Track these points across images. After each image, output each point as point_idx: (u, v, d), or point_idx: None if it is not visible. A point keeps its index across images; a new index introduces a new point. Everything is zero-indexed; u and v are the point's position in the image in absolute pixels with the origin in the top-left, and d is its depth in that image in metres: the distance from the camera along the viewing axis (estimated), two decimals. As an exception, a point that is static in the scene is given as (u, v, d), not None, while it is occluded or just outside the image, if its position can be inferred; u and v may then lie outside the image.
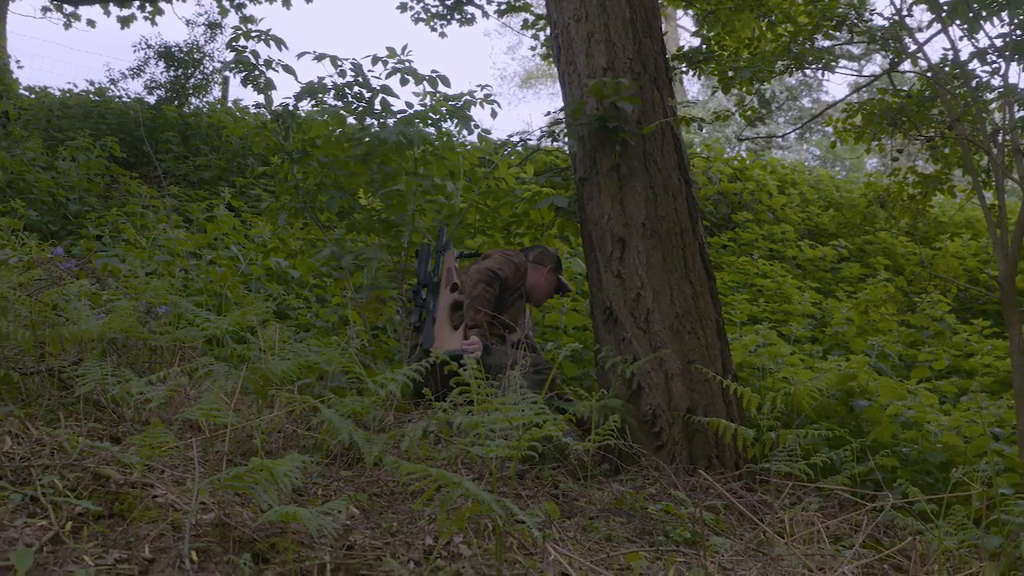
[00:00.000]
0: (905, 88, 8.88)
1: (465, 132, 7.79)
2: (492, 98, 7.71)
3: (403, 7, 19.75)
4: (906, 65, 8.98)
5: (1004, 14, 7.48)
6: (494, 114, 8.03)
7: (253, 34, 7.51)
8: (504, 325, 6.77)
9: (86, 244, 9.95)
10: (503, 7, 19.44)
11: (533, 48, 23.08)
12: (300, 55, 7.40)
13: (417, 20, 19.72)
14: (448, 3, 19.61)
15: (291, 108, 7.53)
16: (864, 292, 11.78)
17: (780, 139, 32.70)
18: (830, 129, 9.31)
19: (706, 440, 5.95)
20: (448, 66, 19.18)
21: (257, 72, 7.44)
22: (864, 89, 12.21)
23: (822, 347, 10.13)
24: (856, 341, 10.13)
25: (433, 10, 19.75)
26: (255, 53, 7.45)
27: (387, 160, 7.31)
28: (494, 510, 2.92)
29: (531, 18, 18.10)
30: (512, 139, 7.94)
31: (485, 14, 19.80)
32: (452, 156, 7.69)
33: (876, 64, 35.53)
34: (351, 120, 7.62)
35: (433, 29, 20.01)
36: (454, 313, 6.53)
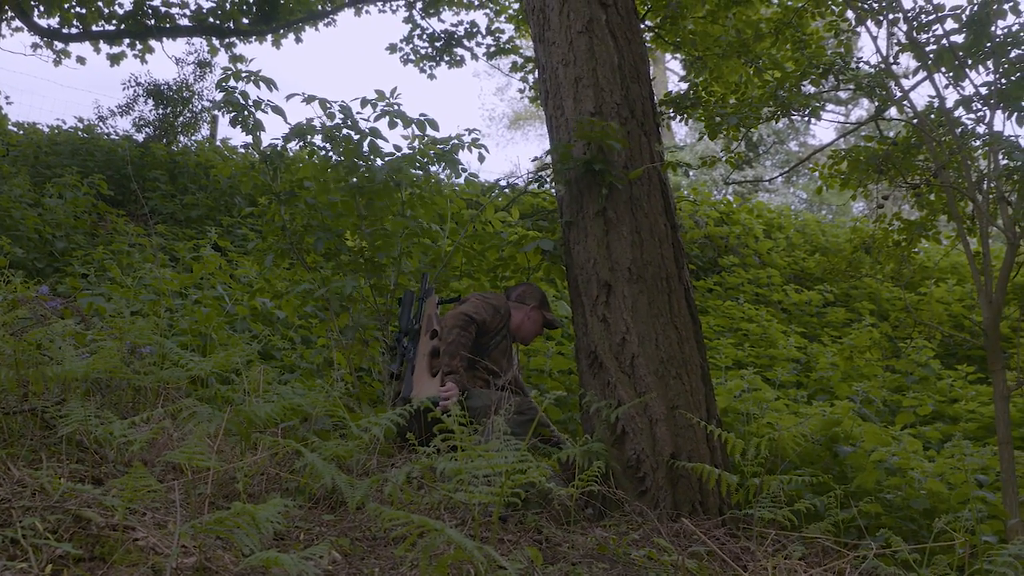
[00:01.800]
0: (892, 134, 8.93)
1: (453, 175, 7.82)
2: (480, 142, 7.72)
3: (393, 48, 19.88)
4: (892, 112, 9.04)
5: (989, 62, 7.54)
6: (481, 158, 8.02)
7: (243, 75, 7.52)
8: (488, 369, 6.80)
9: (72, 282, 9.94)
10: (492, 50, 19.59)
11: (521, 90, 23.18)
12: (289, 96, 7.42)
13: (406, 62, 19.85)
14: (437, 45, 19.72)
15: (279, 149, 7.54)
16: (849, 337, 11.80)
17: (767, 183, 32.82)
18: (816, 174, 9.35)
19: (690, 486, 5.94)
20: (437, 106, 19.36)
21: (246, 113, 7.44)
22: (851, 134, 12.30)
23: (807, 392, 10.13)
24: (841, 386, 10.13)
25: (422, 52, 19.88)
26: (244, 94, 7.46)
27: (376, 198, 7.32)
28: (475, 557, 2.91)
29: (520, 61, 18.22)
30: (499, 182, 7.96)
31: (474, 56, 19.96)
32: (439, 200, 7.71)
33: (863, 108, 35.72)
34: (338, 160, 7.64)
35: (422, 71, 20.15)
36: (433, 360, 6.59)
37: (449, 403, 6.04)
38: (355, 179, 7.33)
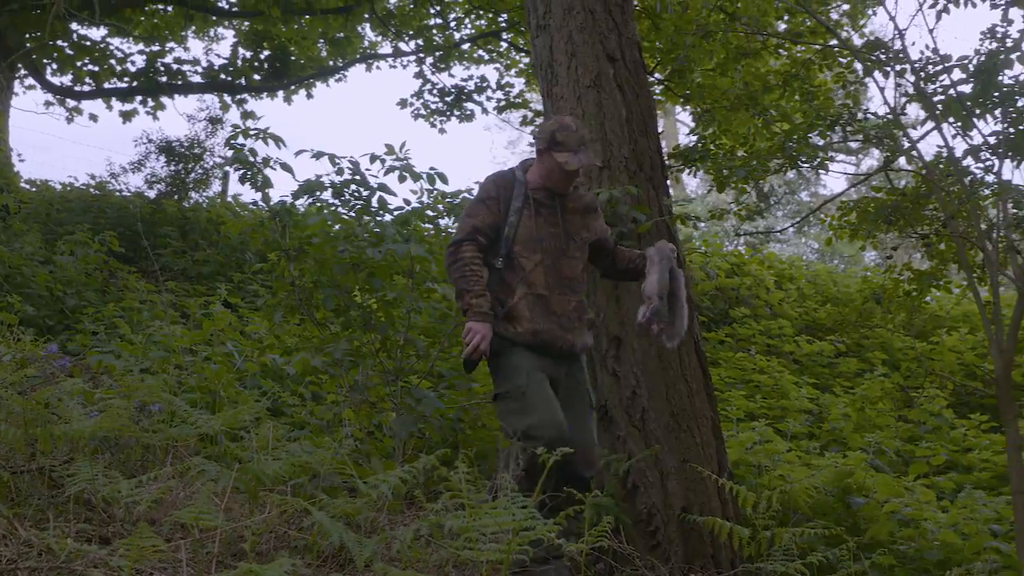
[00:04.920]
0: (901, 184, 8.94)
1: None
2: (489, 196, 7.72)
3: (403, 103, 19.98)
4: (902, 162, 9.05)
5: (997, 112, 7.55)
6: (491, 211, 8.01)
7: (252, 132, 7.54)
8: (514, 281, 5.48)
9: (82, 339, 9.94)
10: (502, 104, 19.67)
11: (531, 144, 23.29)
12: (298, 153, 7.42)
13: (417, 116, 19.94)
14: (448, 100, 19.82)
15: (288, 206, 7.55)
16: (861, 388, 11.76)
17: (778, 233, 32.87)
18: (827, 224, 9.35)
19: (701, 539, 5.92)
20: (449, 159, 19.47)
21: (255, 170, 7.46)
22: (861, 184, 12.33)
23: (819, 443, 10.08)
24: (853, 437, 10.08)
25: (433, 107, 19.97)
26: (253, 151, 7.48)
27: (376, 273, 7.30)
28: (482, 616, 2.89)
29: (530, 115, 18.31)
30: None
31: (484, 111, 20.03)
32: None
33: (874, 158, 35.75)
34: (348, 215, 7.65)
35: (433, 125, 20.24)
36: None
37: (474, 349, 5.27)
38: (356, 245, 7.31)
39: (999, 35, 7.66)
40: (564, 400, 5.34)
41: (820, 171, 8.82)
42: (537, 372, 5.31)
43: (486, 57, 20.13)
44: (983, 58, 7.57)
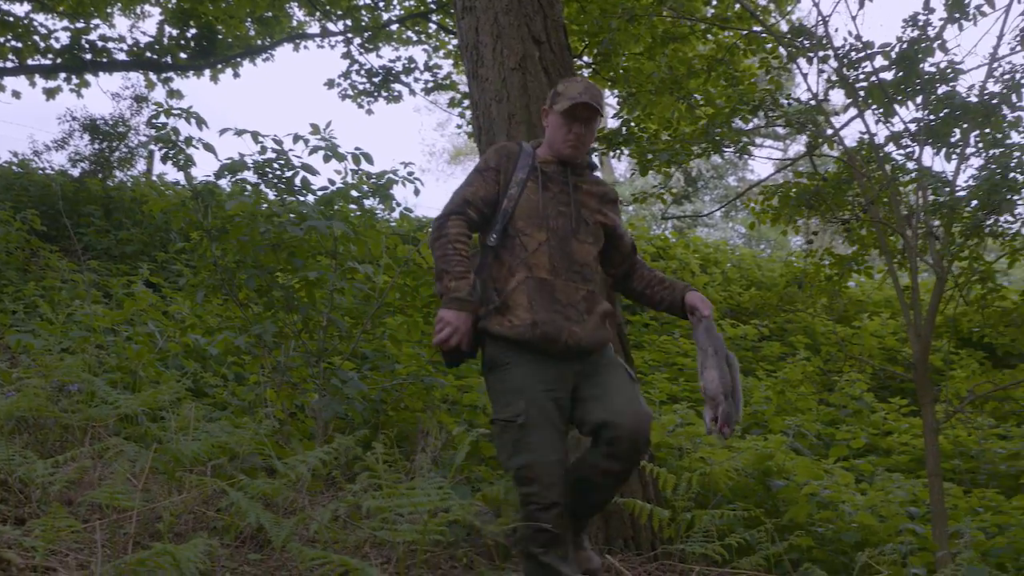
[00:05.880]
0: (825, 169, 9.02)
1: (387, 210, 7.81)
2: (414, 176, 7.71)
3: (331, 84, 19.86)
4: (826, 148, 9.13)
5: (918, 99, 7.65)
6: (417, 192, 8.00)
7: (174, 111, 7.48)
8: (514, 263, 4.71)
9: (1, 319, 9.83)
10: (430, 86, 19.61)
11: (459, 126, 23.25)
12: (222, 132, 7.37)
13: (344, 97, 19.82)
14: (375, 81, 19.72)
15: (210, 185, 7.51)
16: (783, 371, 11.88)
17: (705, 217, 33.06)
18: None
19: (622, 521, 5.95)
20: (378, 141, 19.41)
21: (177, 149, 7.41)
22: (787, 169, 12.43)
23: (741, 426, 10.17)
24: (775, 420, 10.18)
25: (360, 87, 19.85)
26: (176, 130, 7.42)
27: (298, 252, 7.27)
28: (398, 596, 2.90)
29: (458, 96, 18.27)
30: (431, 222, 7.96)
31: (412, 92, 19.94)
32: (373, 235, 7.67)
33: (802, 143, 36.05)
34: (271, 195, 7.62)
35: (360, 106, 20.12)
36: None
37: (442, 342, 4.52)
38: (278, 224, 7.27)
39: (920, 23, 7.76)
40: (589, 383, 4.60)
41: (746, 156, 8.87)
42: (541, 395, 4.47)
43: (415, 38, 20.04)
44: (905, 46, 7.66)
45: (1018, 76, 7.61)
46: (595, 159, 5.15)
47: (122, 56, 20.35)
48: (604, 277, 5.20)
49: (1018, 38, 7.88)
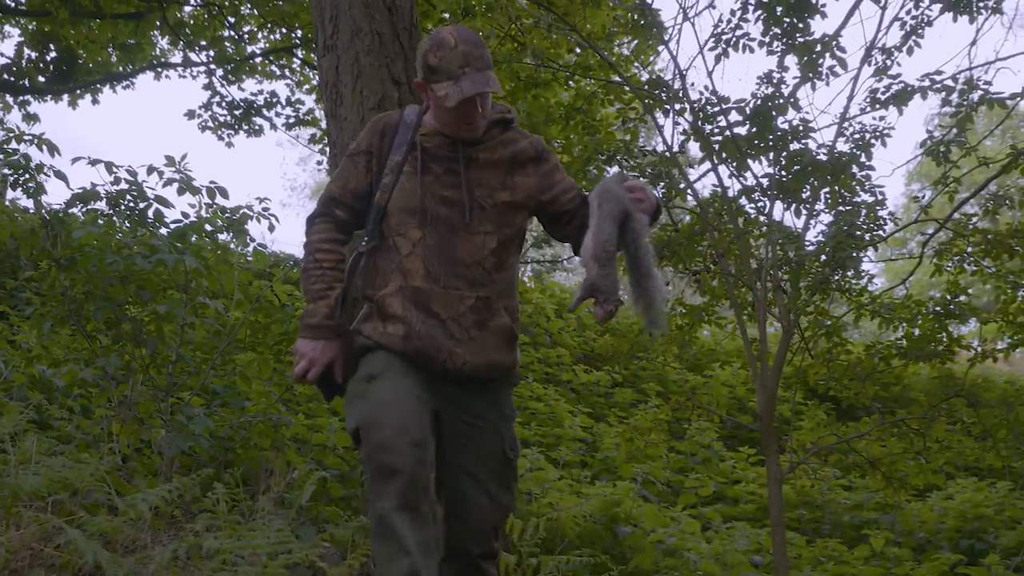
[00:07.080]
0: (679, 219, 9.15)
1: (240, 245, 7.74)
2: (269, 212, 7.66)
3: (191, 114, 19.63)
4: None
5: (770, 154, 7.82)
6: (271, 228, 7.93)
7: (26, 137, 7.35)
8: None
9: None
10: (291, 121, 19.50)
11: (319, 163, 23.15)
12: (75, 160, 7.24)
13: (204, 128, 19.61)
14: (237, 113, 19.55)
15: (60, 214, 7.37)
16: (634, 418, 12.00)
17: (564, 262, 33.29)
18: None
19: (467, 566, 5.93)
20: (240, 174, 19.22)
21: (27, 176, 7.27)
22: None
23: (591, 472, 10.23)
24: (625, 467, 10.26)
25: (221, 119, 19.65)
26: (27, 156, 7.28)
27: (147, 285, 7.16)
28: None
29: (318, 133, 18.19)
30: (291, 257, 7.91)
31: (273, 127, 19.80)
32: (225, 270, 7.59)
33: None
34: (127, 226, 7.51)
35: (220, 139, 19.91)
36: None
37: (294, 374, 3.82)
38: (127, 256, 7.17)
39: (775, 80, 7.94)
40: (451, 442, 3.78)
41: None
42: (405, 376, 3.64)
43: (278, 72, 19.92)
44: (759, 102, 7.83)
45: (867, 136, 7.83)
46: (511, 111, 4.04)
47: (-23, 77, 19.95)
48: (514, 274, 3.98)
49: (867, 99, 8.11)
